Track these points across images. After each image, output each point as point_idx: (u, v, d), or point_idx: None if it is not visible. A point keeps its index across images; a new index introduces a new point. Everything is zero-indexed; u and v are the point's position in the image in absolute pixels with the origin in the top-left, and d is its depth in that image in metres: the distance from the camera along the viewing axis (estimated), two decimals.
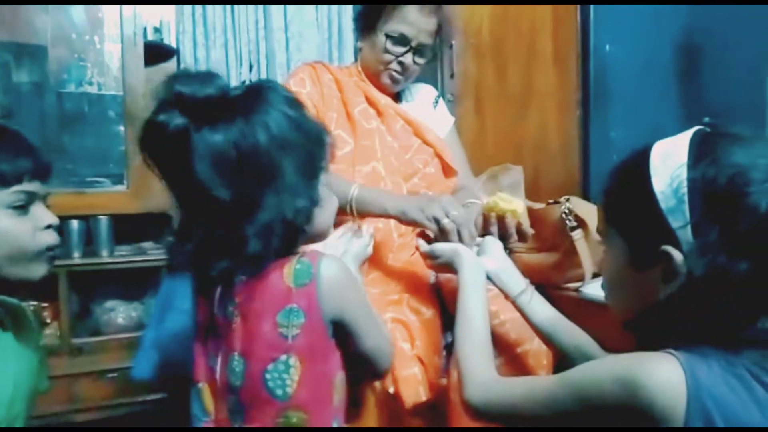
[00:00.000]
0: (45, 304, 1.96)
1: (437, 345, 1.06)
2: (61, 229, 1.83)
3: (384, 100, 1.28)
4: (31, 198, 0.83)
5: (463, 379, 0.81)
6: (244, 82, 2.21)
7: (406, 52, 1.23)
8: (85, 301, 2.02)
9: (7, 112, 1.87)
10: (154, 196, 2.04)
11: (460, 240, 1.00)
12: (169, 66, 2.19)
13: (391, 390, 0.99)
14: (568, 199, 1.16)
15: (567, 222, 1.14)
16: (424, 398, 0.98)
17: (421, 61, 1.27)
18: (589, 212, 1.16)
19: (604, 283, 0.75)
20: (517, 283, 0.98)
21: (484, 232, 1.09)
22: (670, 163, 0.62)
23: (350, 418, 0.92)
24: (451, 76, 1.92)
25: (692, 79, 2.15)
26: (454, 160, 1.31)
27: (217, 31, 2.17)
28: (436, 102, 1.38)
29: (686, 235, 0.60)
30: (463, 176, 1.34)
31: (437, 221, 1.01)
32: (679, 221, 0.61)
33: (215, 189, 0.74)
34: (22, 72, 1.97)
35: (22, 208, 0.81)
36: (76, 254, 1.90)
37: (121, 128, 2.01)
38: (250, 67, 2.23)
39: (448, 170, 1.31)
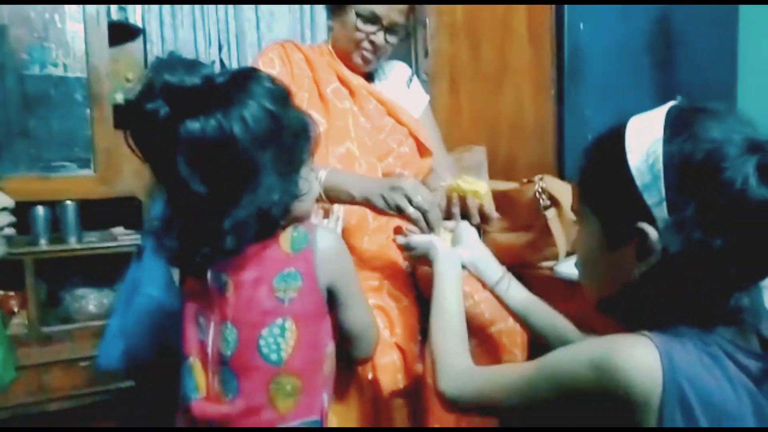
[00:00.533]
0: (12, 293, 1.91)
1: (414, 332, 1.06)
2: (25, 214, 1.78)
3: (356, 80, 1.25)
4: None
5: (437, 371, 0.80)
6: (222, 65, 2.15)
7: (377, 31, 1.21)
8: (54, 289, 1.98)
9: None
10: (122, 180, 2.00)
11: (428, 224, 0.99)
12: (135, 46, 2.12)
13: (370, 376, 0.99)
14: (541, 178, 1.16)
15: (540, 201, 1.14)
16: (401, 385, 0.98)
17: (393, 40, 1.24)
18: (563, 191, 1.16)
19: (578, 263, 0.74)
20: (494, 271, 0.98)
21: (447, 214, 1.09)
22: (645, 138, 0.62)
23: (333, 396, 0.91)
24: (426, 54, 1.90)
25: (665, 58, 2.16)
26: (428, 139, 1.29)
27: (185, 10, 2.11)
28: (410, 80, 1.36)
29: (661, 211, 0.60)
30: (438, 155, 1.33)
31: (400, 210, 0.99)
32: (655, 197, 0.60)
33: (193, 183, 0.74)
34: None
35: None
36: (42, 241, 1.85)
37: (87, 111, 1.94)
38: (220, 47, 2.17)
39: (423, 150, 1.29)
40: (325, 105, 1.19)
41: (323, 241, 0.83)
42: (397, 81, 1.35)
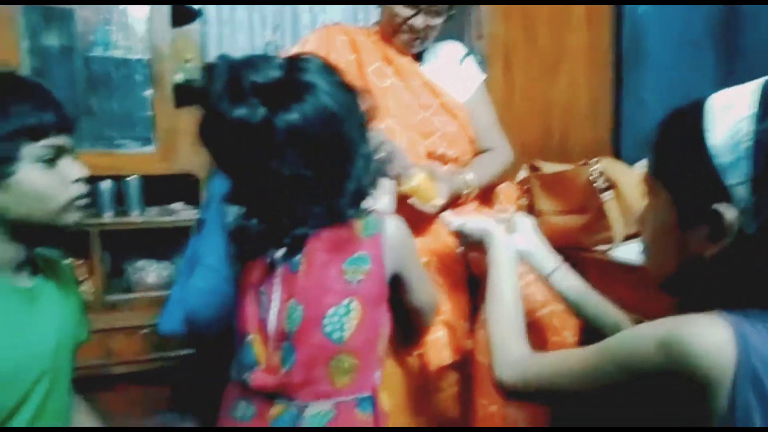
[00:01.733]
0: (80, 262, 2.02)
1: (464, 308, 1.07)
2: (92, 186, 1.88)
3: (401, 59, 1.26)
4: (59, 152, 0.83)
5: (494, 360, 0.79)
6: (268, 43, 2.20)
7: (415, 14, 1.20)
8: (117, 260, 2.07)
9: (37, 74, 1.89)
10: (181, 157, 2.08)
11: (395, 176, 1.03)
12: (194, 28, 2.18)
13: (416, 352, 1.01)
14: (598, 161, 1.14)
15: (596, 183, 1.12)
16: (448, 361, 0.99)
17: (434, 22, 1.23)
18: (621, 174, 1.14)
19: (644, 240, 0.72)
20: (549, 260, 0.97)
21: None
22: (731, 115, 0.59)
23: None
24: (479, 37, 1.88)
25: (731, 43, 2.07)
26: (480, 119, 1.29)
27: None
28: (463, 59, 1.35)
29: (742, 192, 0.57)
30: (491, 137, 1.33)
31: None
32: (737, 177, 0.58)
33: (301, 169, 0.77)
34: (52, 35, 1.99)
35: (51, 162, 0.82)
36: (107, 214, 1.94)
37: (148, 91, 2.01)
38: (274, 28, 2.21)
39: (467, 132, 1.30)
40: (366, 85, 1.21)
41: (392, 228, 0.86)
42: (448, 61, 1.35)
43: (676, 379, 0.57)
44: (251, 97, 0.75)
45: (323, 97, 0.78)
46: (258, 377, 0.85)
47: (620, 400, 0.63)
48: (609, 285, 1.16)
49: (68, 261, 1.93)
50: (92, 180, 1.84)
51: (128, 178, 1.97)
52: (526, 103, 1.94)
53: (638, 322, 0.95)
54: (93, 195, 1.94)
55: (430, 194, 1.11)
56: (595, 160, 1.15)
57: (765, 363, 0.55)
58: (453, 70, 1.34)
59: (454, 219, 1.04)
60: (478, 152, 1.33)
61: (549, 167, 1.29)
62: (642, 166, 1.51)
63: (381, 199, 1.07)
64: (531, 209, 1.29)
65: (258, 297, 0.87)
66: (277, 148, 0.76)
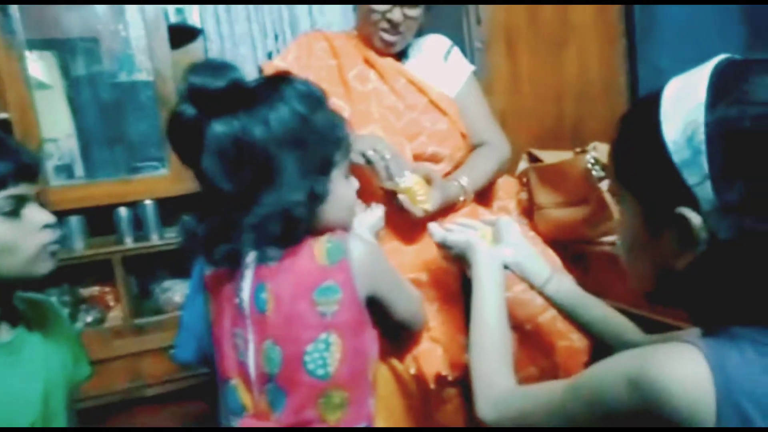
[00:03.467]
0: (107, 289, 2.08)
1: (459, 322, 1.01)
2: (110, 215, 1.92)
3: (383, 60, 1.21)
4: (20, 201, 0.81)
5: (475, 394, 0.74)
6: (270, 53, 2.19)
7: (392, 8, 1.15)
8: (144, 283, 2.12)
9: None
10: (194, 177, 2.09)
11: (389, 175, 1.02)
12: (196, 46, 2.19)
13: (412, 371, 0.97)
14: (594, 147, 1.06)
15: (594, 172, 1.04)
16: (444, 372, 0.95)
17: (413, 13, 1.18)
18: None
19: (620, 249, 0.65)
20: (541, 270, 0.89)
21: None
22: (683, 105, 0.52)
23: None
24: (478, 21, 1.80)
25: None
26: (471, 114, 1.23)
27: (239, 6, 2.14)
28: (448, 53, 1.29)
29: (705, 192, 0.50)
30: (484, 131, 1.26)
31: (365, 157, 1.02)
32: (696, 176, 0.51)
33: (217, 180, 0.76)
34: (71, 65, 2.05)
35: (14, 213, 0.80)
36: (128, 240, 1.98)
37: (158, 113, 2.04)
38: (276, 37, 2.20)
39: (458, 127, 1.24)
40: (347, 90, 1.17)
41: (358, 250, 0.82)
42: (433, 56, 1.29)
43: (649, 419, 0.51)
44: (186, 98, 0.76)
45: (259, 119, 0.76)
46: (247, 423, 0.83)
47: None
48: (618, 277, 1.08)
49: (95, 290, 2.04)
50: (110, 208, 1.95)
51: (145, 203, 2.00)
52: (533, 89, 1.86)
53: (648, 321, 0.88)
54: (112, 222, 2.01)
55: (422, 198, 1.07)
56: (591, 146, 1.07)
57: (753, 398, 0.48)
58: (439, 64, 1.28)
59: (437, 230, 0.98)
60: (472, 148, 1.27)
61: (549, 156, 1.21)
62: None
63: (372, 214, 1.04)
64: (530, 203, 1.22)
65: (234, 340, 0.85)
66: (205, 154, 0.76)
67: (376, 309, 0.86)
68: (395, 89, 1.20)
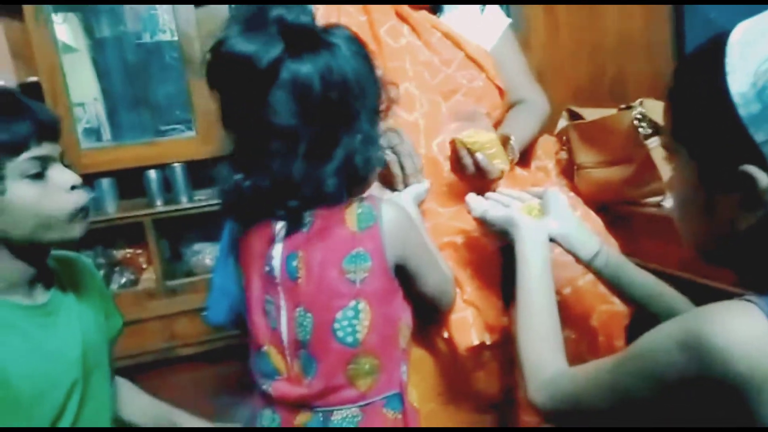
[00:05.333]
0: (140, 251, 2.10)
1: (496, 286, 0.98)
2: (140, 178, 1.92)
3: (417, 14, 1.15)
4: (44, 162, 0.78)
5: (526, 379, 0.71)
6: None
7: None
8: (175, 245, 2.14)
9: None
10: (223, 139, 2.08)
11: (402, 171, 0.96)
12: (220, 7, 2.14)
13: (446, 335, 0.94)
14: (641, 102, 1.00)
15: (640, 129, 0.98)
16: (476, 342, 0.92)
17: None
18: None
19: (673, 208, 0.61)
20: (590, 244, 0.84)
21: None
22: (754, 53, 0.48)
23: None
24: None
25: None
26: (508, 69, 1.17)
27: None
28: (484, 6, 1.23)
29: None
30: (522, 87, 1.21)
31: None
32: (766, 133, 0.47)
33: (295, 121, 0.73)
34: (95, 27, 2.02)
35: (39, 176, 0.78)
36: (158, 202, 1.98)
37: (185, 74, 2.02)
38: None
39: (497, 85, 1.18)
40: (380, 47, 1.12)
41: (389, 216, 0.79)
42: (469, 9, 1.23)
43: (708, 384, 0.47)
44: (271, 29, 0.72)
45: (340, 61, 0.75)
46: (280, 387, 0.83)
47: (657, 413, 0.53)
48: (664, 242, 1.04)
49: (128, 252, 2.07)
50: (140, 170, 1.95)
51: (173, 165, 1.99)
52: (572, 42, 1.77)
53: (693, 285, 0.84)
54: (142, 185, 2.02)
55: (499, 158, 1.02)
56: (638, 101, 1.01)
57: None
58: (475, 17, 1.22)
59: (476, 204, 0.91)
60: (509, 106, 1.21)
61: (590, 114, 1.15)
62: None
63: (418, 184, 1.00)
64: (571, 163, 1.16)
65: (265, 306, 0.83)
66: (274, 95, 0.73)
67: (405, 280, 0.84)
68: (430, 44, 1.15)
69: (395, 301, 0.82)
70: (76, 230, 0.83)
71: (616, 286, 0.84)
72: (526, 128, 1.17)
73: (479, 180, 1.02)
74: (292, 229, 0.79)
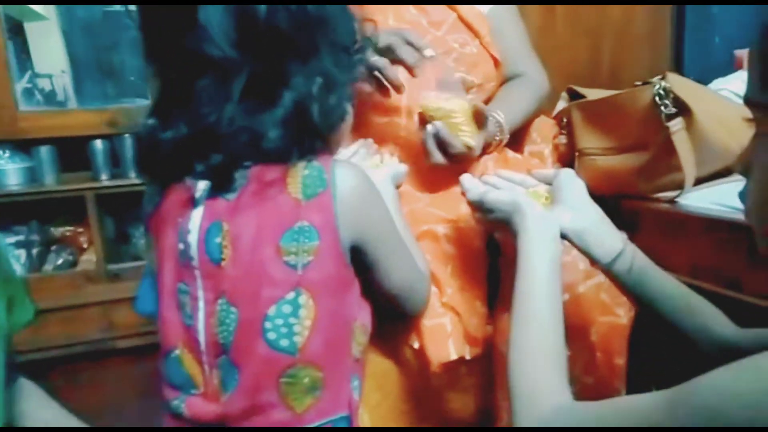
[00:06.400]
0: (81, 230, 1.90)
1: (481, 288, 0.82)
2: (29, 152, 1.72)
3: None
4: None
5: (515, 410, 0.54)
6: None
7: None
8: (122, 226, 1.95)
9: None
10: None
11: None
12: None
13: (416, 345, 0.78)
14: (663, 77, 0.85)
15: (662, 108, 0.83)
16: (454, 356, 0.76)
17: None
18: (694, 94, 0.84)
19: (751, 189, 0.48)
20: (610, 243, 0.67)
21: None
22: None
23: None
24: None
25: None
26: (505, 37, 1.03)
27: None
28: None
29: None
30: (521, 59, 1.07)
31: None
32: None
33: (231, 50, 0.57)
34: None
35: None
36: (104, 176, 1.80)
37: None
38: None
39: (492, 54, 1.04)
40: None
41: (344, 178, 0.62)
42: None
43: None
44: None
45: None
46: (194, 404, 0.64)
47: None
48: (679, 246, 0.89)
49: (68, 230, 1.86)
50: (85, 140, 1.75)
51: (123, 136, 1.79)
52: (569, 26, 1.67)
53: (708, 295, 0.69)
54: (87, 156, 1.82)
55: (465, 129, 0.87)
56: (659, 77, 0.86)
57: None
58: None
59: (472, 185, 0.75)
60: (504, 80, 1.07)
61: (594, 95, 1.01)
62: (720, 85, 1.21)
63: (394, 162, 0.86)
64: (571, 149, 1.02)
65: (178, 297, 0.65)
66: (206, 13, 0.57)
67: (365, 269, 0.66)
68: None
69: (348, 296, 0.65)
70: None
71: (639, 296, 0.67)
72: (521, 106, 1.02)
73: (448, 157, 0.86)
74: (216, 192, 0.61)
